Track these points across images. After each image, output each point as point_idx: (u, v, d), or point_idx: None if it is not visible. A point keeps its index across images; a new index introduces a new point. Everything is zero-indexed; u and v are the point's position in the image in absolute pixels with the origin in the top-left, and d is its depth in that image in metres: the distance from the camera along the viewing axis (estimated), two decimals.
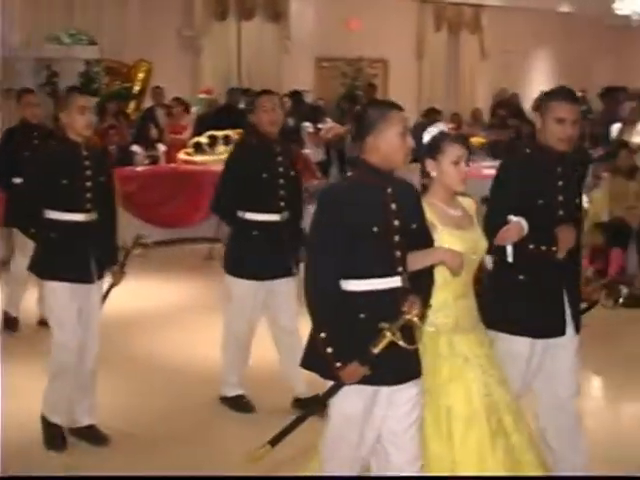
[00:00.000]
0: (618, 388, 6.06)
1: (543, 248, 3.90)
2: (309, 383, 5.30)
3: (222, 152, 11.39)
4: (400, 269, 3.36)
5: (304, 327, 5.14)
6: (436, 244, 3.55)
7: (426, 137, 3.72)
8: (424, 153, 3.68)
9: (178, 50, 13.79)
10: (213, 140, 11.53)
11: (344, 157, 11.26)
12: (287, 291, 5.33)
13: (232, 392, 5.46)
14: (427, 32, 16.46)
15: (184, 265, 9.52)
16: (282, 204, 5.22)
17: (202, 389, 5.73)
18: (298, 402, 5.37)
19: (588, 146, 11.18)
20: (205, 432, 5.14)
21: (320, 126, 11.84)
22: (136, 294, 7.50)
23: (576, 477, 4.11)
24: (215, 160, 11.22)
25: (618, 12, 15.48)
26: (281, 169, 5.24)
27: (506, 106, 15.77)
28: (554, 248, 3.91)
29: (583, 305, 4.22)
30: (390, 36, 15.47)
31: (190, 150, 11.48)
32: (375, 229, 3.30)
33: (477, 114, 15.23)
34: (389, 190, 3.38)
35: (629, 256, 8.57)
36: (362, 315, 3.29)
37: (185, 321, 7.43)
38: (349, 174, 3.51)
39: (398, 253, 3.36)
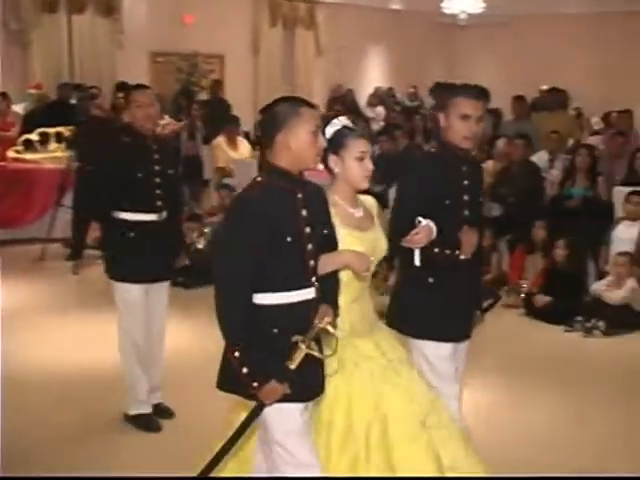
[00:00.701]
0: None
1: (448, 252, 3.83)
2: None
3: (54, 150, 11.09)
4: (314, 279, 3.22)
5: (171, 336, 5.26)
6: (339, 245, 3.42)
7: (329, 131, 3.54)
8: (326, 148, 3.47)
9: (5, 44, 13.28)
10: (45, 137, 11.19)
11: (180, 153, 11.15)
12: (162, 295, 5.16)
13: (135, 409, 5.16)
14: (263, 27, 16.51)
15: (15, 267, 9.18)
16: (159, 203, 5.02)
17: (44, 390, 5.68)
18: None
19: (421, 141, 11.51)
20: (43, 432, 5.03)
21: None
22: None
23: (575, 477, 4.19)
24: (47, 158, 10.90)
25: (446, 11, 15.99)
26: (157, 167, 5.01)
27: (342, 102, 16.04)
28: (457, 252, 3.85)
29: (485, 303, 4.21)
30: (225, 31, 15.43)
31: (20, 148, 11.10)
32: (289, 239, 3.13)
33: None
34: (299, 195, 3.21)
35: None
36: (275, 330, 3.14)
37: (18, 325, 7.18)
38: (258, 179, 3.22)
39: (312, 263, 3.21)
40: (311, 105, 3.23)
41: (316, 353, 3.17)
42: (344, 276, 3.47)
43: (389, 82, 18.32)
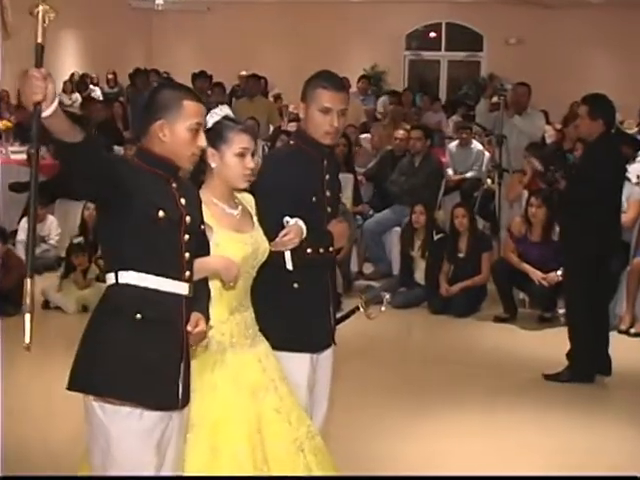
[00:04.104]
0: None
1: (321, 251, 3.62)
2: None
3: None
4: (188, 274, 2.99)
5: None
6: (212, 249, 3.20)
7: (210, 121, 3.32)
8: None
9: None
10: None
11: None
12: None
13: None
14: None
15: None
16: None
17: None
18: None
19: (121, 128, 11.49)
20: None
21: None
22: None
23: (576, 477, 4.25)
24: None
25: None
26: None
27: None
28: (331, 248, 3.67)
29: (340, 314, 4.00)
30: None
31: None
32: (162, 214, 2.89)
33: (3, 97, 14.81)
34: (174, 185, 2.99)
35: None
36: (139, 316, 2.89)
37: None
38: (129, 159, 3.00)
39: (187, 255, 2.99)
40: (198, 99, 3.00)
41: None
42: (217, 286, 3.27)
43: (86, 68, 17.95)
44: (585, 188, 5.83)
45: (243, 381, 3.33)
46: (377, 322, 7.14)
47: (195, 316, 3.02)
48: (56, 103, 2.55)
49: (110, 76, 17.05)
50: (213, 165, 3.35)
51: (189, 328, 2.98)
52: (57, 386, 3.06)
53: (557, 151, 8.74)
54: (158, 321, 2.93)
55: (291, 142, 3.81)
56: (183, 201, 3.00)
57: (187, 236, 2.99)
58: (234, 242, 3.31)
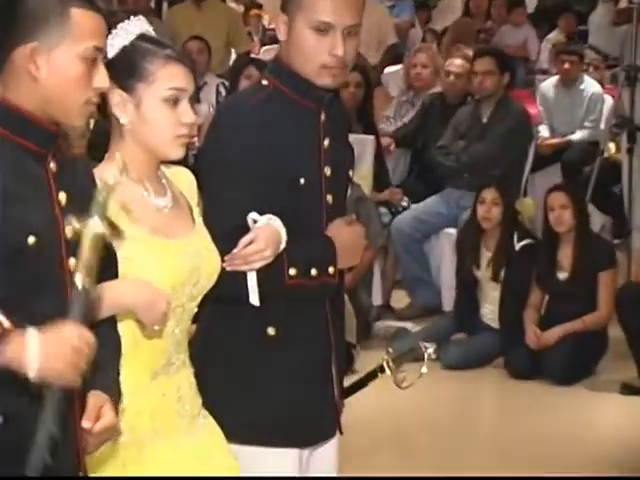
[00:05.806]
0: None
1: (314, 272, 3.64)
2: None
3: None
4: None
5: None
6: (121, 267, 3.15)
7: (114, 44, 3.26)
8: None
9: None
10: None
11: None
12: None
13: None
14: None
15: None
16: None
17: None
18: None
19: None
20: None
21: None
22: None
23: (577, 477, 5.01)
24: None
25: None
26: None
27: None
28: (331, 269, 3.67)
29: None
30: None
31: None
32: (32, 240, 2.79)
33: None
34: (52, 165, 2.92)
35: None
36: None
37: None
38: None
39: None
40: (95, 6, 2.91)
41: None
42: (128, 331, 3.25)
43: None
44: None
45: None
46: (416, 392, 7.24)
47: (96, 400, 2.97)
48: None
49: None
50: (123, 120, 3.33)
51: (86, 424, 2.92)
52: None
53: None
54: (30, 416, 2.81)
55: (264, 82, 3.80)
56: (63, 197, 2.94)
57: (73, 260, 2.90)
58: (160, 255, 3.29)
